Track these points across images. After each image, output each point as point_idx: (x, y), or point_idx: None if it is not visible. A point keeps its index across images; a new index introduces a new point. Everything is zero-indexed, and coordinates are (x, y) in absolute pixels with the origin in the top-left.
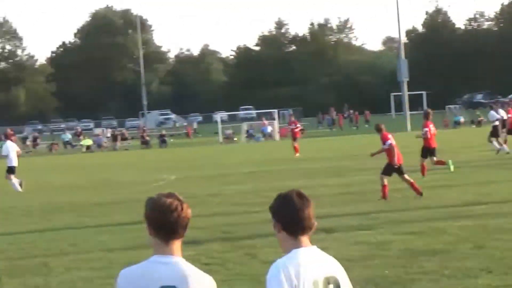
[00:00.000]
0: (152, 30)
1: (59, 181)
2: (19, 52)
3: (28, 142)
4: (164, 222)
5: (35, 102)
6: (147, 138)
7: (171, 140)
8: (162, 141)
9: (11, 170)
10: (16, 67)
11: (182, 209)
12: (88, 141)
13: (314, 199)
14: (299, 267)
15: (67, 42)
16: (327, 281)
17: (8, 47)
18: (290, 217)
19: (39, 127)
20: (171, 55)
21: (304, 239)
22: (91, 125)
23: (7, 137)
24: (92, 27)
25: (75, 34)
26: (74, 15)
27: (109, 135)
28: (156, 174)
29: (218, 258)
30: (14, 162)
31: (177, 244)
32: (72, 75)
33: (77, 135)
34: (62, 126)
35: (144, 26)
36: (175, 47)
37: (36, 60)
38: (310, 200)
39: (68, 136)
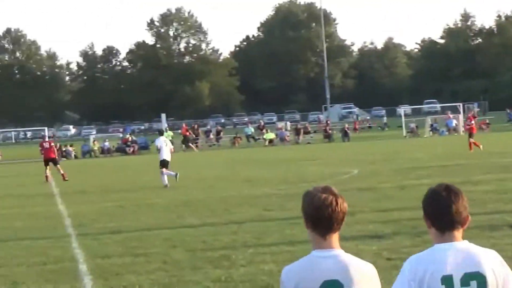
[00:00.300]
0: (336, 24)
1: (242, 175)
2: (203, 46)
3: (211, 136)
4: (319, 218)
5: (218, 96)
6: (330, 131)
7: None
8: (345, 134)
9: (162, 163)
10: (200, 61)
11: (337, 204)
12: (271, 135)
13: (502, 194)
14: (429, 262)
15: (250, 36)
16: (469, 277)
17: (192, 41)
18: (437, 213)
19: (222, 120)
20: (355, 48)
21: (453, 234)
22: (274, 118)
23: (161, 133)
24: (275, 21)
25: (259, 28)
26: (258, 9)
27: (289, 128)
28: (339, 167)
29: (404, 253)
30: (165, 156)
31: (334, 237)
32: (255, 69)
33: (260, 128)
34: (245, 119)
35: (328, 20)
36: (359, 40)
37: (220, 54)
38: (460, 194)
39: (250, 129)
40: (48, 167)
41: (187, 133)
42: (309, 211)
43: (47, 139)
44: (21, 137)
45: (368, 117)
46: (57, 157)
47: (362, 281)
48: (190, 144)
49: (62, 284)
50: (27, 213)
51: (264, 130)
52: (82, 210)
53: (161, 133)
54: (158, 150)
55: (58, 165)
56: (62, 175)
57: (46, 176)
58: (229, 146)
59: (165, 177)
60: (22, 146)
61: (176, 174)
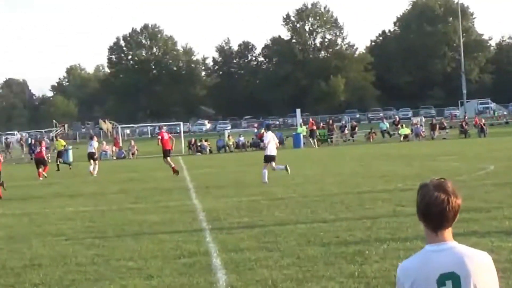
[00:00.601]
0: (474, 18)
1: (377, 170)
2: (339, 41)
3: (346, 131)
4: (430, 215)
5: (354, 91)
6: (466, 127)
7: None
8: (481, 130)
9: (266, 158)
10: (336, 56)
11: (448, 202)
12: (406, 130)
13: None
14: None
15: (387, 31)
16: None
17: (328, 36)
18: None
19: (357, 115)
20: (492, 43)
21: None
22: (409, 113)
23: (268, 127)
24: (412, 15)
25: (395, 23)
26: (394, 3)
27: (424, 123)
28: (475, 163)
29: None
30: (270, 152)
31: (447, 232)
32: (391, 64)
33: (395, 124)
34: (380, 114)
35: (465, 14)
36: (497, 35)
37: (356, 49)
38: None
39: (386, 124)
40: (169, 158)
41: (313, 128)
42: (421, 206)
43: (163, 129)
44: (157, 132)
45: (505, 113)
46: (171, 150)
47: (478, 271)
48: (311, 139)
49: (196, 278)
50: (162, 207)
51: (399, 125)
52: (216, 205)
53: (268, 128)
54: (265, 145)
55: (169, 158)
56: (173, 168)
57: (173, 168)
58: (364, 141)
59: (266, 174)
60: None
61: (286, 167)
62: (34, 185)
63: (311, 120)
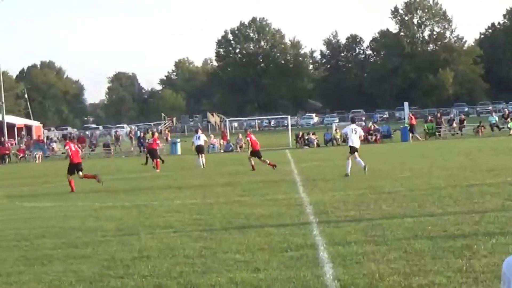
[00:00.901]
0: None
1: (485, 164)
2: (447, 34)
3: (455, 124)
4: None
5: (462, 84)
6: None
7: None
8: None
9: (350, 149)
10: (444, 49)
11: None
12: None
13: None
14: None
15: (496, 23)
16: None
17: (436, 29)
18: None
19: (466, 109)
20: None
21: None
22: None
23: (353, 121)
24: None
25: (505, 16)
26: None
27: None
28: None
29: None
30: (352, 143)
31: None
32: (501, 56)
33: (504, 117)
34: (489, 108)
35: None
36: None
37: (465, 41)
38: None
39: (494, 118)
40: (256, 158)
41: (413, 122)
42: None
43: (250, 131)
44: (264, 125)
45: None
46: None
47: None
48: (414, 133)
49: (303, 271)
50: (269, 200)
51: (508, 119)
52: (323, 198)
53: (353, 121)
54: (347, 138)
55: (262, 158)
56: (269, 164)
57: (253, 166)
58: (473, 135)
59: (349, 165)
60: (265, 134)
61: (365, 167)
62: (143, 177)
63: (410, 115)
